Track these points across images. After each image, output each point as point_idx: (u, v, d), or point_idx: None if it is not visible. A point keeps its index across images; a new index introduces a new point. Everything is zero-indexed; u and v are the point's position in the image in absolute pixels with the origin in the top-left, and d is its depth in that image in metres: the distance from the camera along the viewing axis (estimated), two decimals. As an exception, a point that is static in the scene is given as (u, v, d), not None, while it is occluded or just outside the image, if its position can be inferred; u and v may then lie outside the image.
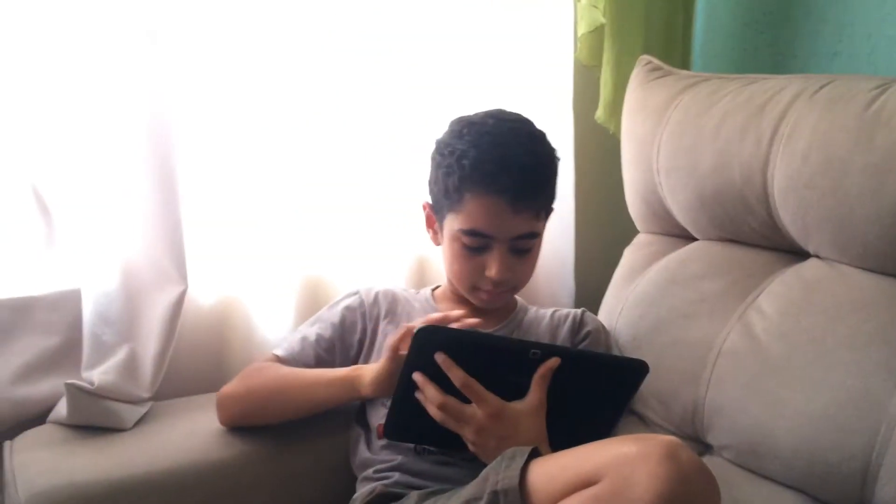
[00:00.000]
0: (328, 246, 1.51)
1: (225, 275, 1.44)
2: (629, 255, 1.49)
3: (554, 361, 1.02)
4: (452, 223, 1.20)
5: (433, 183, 1.24)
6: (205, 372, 1.40)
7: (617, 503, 0.78)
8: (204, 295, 1.42)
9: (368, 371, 1.15)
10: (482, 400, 1.01)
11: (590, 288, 1.69)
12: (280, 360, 1.25)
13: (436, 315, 1.13)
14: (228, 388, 1.22)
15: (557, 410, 1.03)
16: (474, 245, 1.18)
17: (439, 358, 1.01)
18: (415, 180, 1.50)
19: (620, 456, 0.80)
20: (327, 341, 1.26)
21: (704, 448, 1.21)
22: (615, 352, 1.32)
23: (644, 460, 0.78)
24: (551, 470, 0.86)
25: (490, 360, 1.02)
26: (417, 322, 1.12)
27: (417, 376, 1.03)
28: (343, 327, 1.28)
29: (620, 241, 1.57)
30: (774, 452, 1.08)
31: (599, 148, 1.71)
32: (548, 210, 1.23)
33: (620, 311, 1.39)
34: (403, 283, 1.59)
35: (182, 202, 1.30)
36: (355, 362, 1.26)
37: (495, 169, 1.14)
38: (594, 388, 1.06)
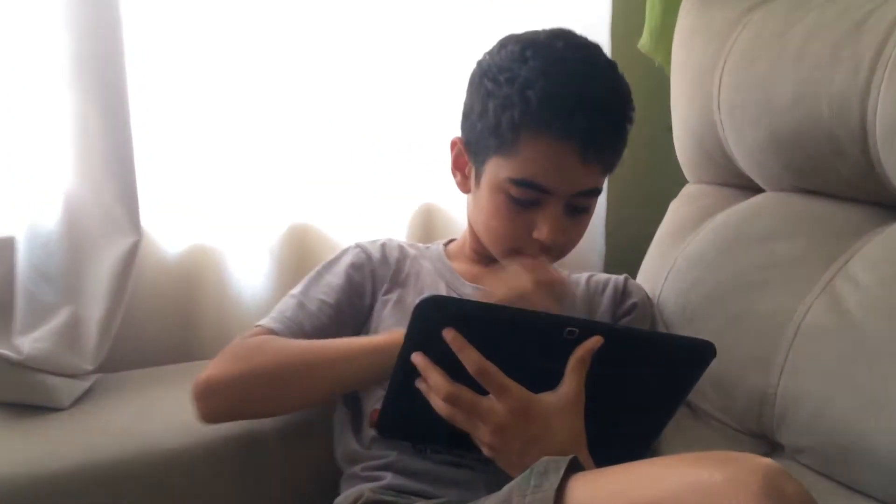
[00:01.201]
0: (318, 188, 1.30)
1: (195, 220, 1.23)
2: (677, 210, 1.26)
3: (595, 342, 0.79)
4: (499, 169, 0.96)
5: (475, 115, 0.98)
6: (165, 338, 1.20)
7: None
8: (168, 244, 1.22)
9: None
10: (503, 391, 0.77)
11: (623, 248, 1.49)
12: (272, 333, 0.99)
13: None
14: (215, 372, 0.93)
15: (597, 404, 0.81)
16: (524, 198, 0.96)
17: (448, 336, 0.77)
18: (422, 111, 1.32)
19: (700, 485, 0.57)
20: (333, 308, 1.02)
21: (772, 448, 0.99)
22: (661, 328, 1.10)
23: (734, 494, 0.56)
24: (598, 495, 0.64)
25: (513, 340, 0.80)
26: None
27: (418, 358, 0.80)
28: (351, 290, 1.04)
29: (661, 193, 1.35)
30: (871, 460, 0.85)
31: (640, 83, 1.44)
32: (617, 162, 1.00)
33: (666, 276, 1.16)
34: (405, 235, 1.38)
35: (135, 135, 1.09)
36: (359, 334, 1.04)
37: (571, 106, 0.91)
38: (645, 377, 0.84)
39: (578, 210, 0.98)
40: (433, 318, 0.78)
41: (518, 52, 0.95)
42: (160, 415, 1.03)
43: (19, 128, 1.06)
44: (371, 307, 1.04)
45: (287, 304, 1.03)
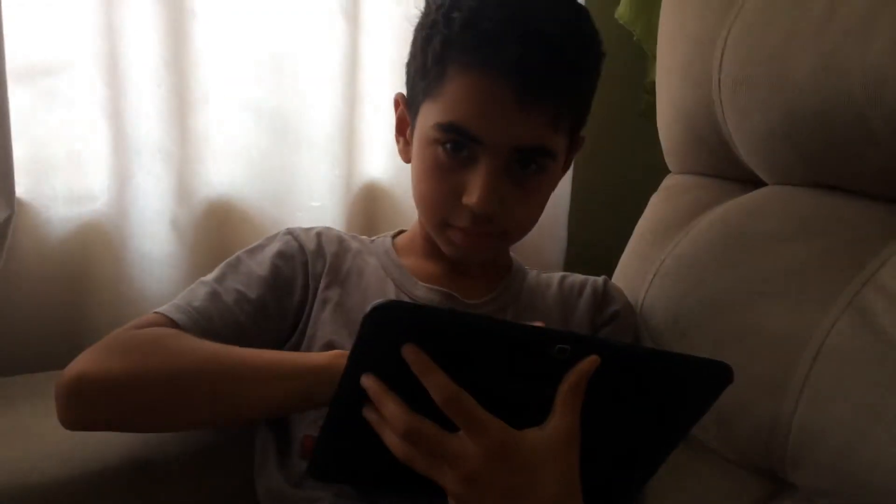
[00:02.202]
0: (240, 157, 1.11)
1: (85, 189, 1.02)
2: (660, 204, 1.11)
3: (591, 363, 0.62)
4: (427, 116, 0.80)
5: (410, 60, 0.83)
6: (46, 339, 1.01)
7: None
8: (53, 221, 1.01)
9: None
10: (478, 427, 0.59)
11: (586, 243, 1.38)
12: (174, 325, 0.78)
13: None
14: (91, 367, 0.72)
15: (589, 437, 0.64)
16: (455, 154, 0.79)
17: (409, 354, 0.59)
18: (367, 65, 1.16)
19: None
20: (254, 305, 0.82)
21: (781, 488, 0.83)
22: (646, 342, 0.94)
23: None
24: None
25: (488, 359, 0.62)
26: None
27: (370, 381, 0.61)
28: (277, 284, 0.84)
29: (632, 183, 1.22)
30: (913, 512, 0.71)
31: (616, 58, 1.30)
32: (574, 122, 0.83)
33: (651, 280, 1.00)
34: (343, 221, 1.20)
35: (8, 74, 0.88)
36: (288, 339, 0.84)
37: (500, 29, 0.74)
38: (647, 403, 0.67)
39: (524, 172, 0.80)
40: (389, 329, 0.60)
41: None
42: (35, 437, 0.82)
43: None
44: (300, 308, 0.85)
45: (196, 292, 0.82)
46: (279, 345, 0.84)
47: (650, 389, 0.67)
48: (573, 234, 1.40)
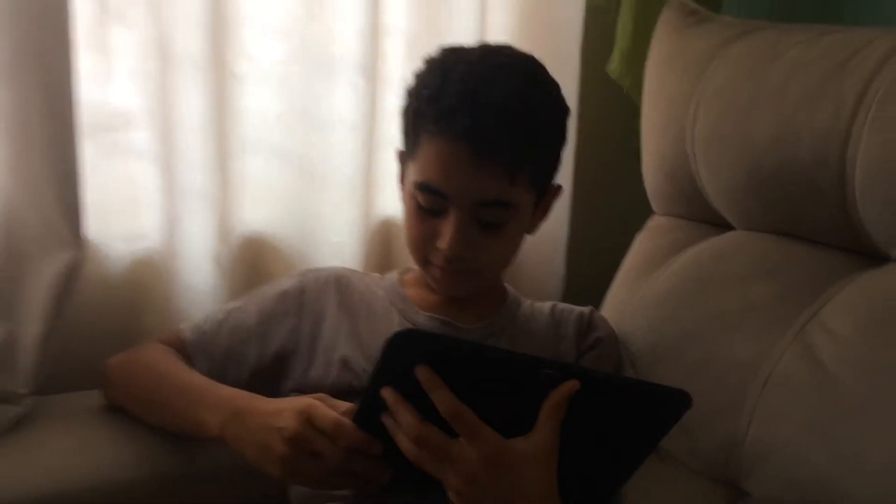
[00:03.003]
0: (272, 198, 1.24)
1: (140, 229, 1.15)
2: (644, 242, 1.23)
3: (571, 386, 0.75)
4: (409, 174, 0.97)
5: (400, 124, 1.00)
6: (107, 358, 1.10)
7: None
8: (111, 256, 1.14)
9: (260, 408, 0.83)
10: (475, 436, 0.73)
11: (584, 275, 1.44)
12: (185, 344, 0.99)
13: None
14: (114, 365, 0.99)
15: (566, 450, 0.77)
16: (430, 206, 0.94)
17: (423, 374, 0.73)
18: (384, 116, 1.28)
19: None
20: (245, 332, 1.00)
21: (737, 496, 0.96)
22: (627, 368, 1.06)
23: None
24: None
25: (485, 379, 0.75)
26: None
27: (389, 394, 0.75)
28: (270, 320, 1.01)
29: (628, 219, 1.31)
30: (849, 519, 0.83)
31: (609, 106, 1.43)
32: (535, 176, 0.95)
33: (633, 311, 1.13)
34: (362, 255, 1.31)
35: (79, 130, 0.99)
36: (270, 375, 1.00)
37: (456, 104, 0.89)
38: (617, 424, 0.80)
39: (490, 224, 0.94)
40: (406, 352, 0.73)
41: (435, 57, 0.95)
42: (102, 444, 0.95)
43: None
44: (283, 347, 1.00)
45: (215, 316, 1.01)
46: (260, 372, 0.99)
47: (621, 410, 0.79)
48: (571, 269, 1.49)
